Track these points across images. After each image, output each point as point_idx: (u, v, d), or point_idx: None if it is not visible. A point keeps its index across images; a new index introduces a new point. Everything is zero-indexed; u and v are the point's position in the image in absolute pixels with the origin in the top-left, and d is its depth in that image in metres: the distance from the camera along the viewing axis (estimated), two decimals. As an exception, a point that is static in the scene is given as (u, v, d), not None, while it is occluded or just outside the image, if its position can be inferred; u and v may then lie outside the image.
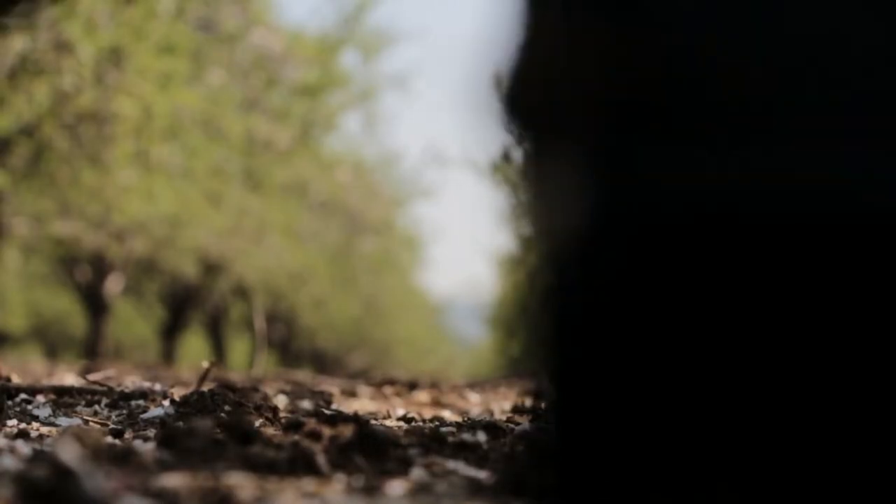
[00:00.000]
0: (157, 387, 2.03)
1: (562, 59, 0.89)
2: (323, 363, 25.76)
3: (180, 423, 1.38)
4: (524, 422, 1.88)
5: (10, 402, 1.90)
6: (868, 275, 0.79)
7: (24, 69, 6.48)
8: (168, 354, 15.50)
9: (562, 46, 0.90)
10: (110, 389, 1.99)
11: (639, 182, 0.84)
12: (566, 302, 0.84)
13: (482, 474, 1.17)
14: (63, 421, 1.74)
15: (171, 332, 15.91)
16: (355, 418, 1.96)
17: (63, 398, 1.97)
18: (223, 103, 9.26)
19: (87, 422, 1.72)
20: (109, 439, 1.39)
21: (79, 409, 1.88)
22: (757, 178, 0.81)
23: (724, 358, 0.82)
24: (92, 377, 2.27)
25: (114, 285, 13.09)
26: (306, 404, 2.26)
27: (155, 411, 1.72)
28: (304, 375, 5.35)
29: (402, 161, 26.43)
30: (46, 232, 9.81)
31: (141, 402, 1.92)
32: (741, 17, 0.82)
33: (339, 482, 1.07)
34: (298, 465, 1.09)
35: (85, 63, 6.47)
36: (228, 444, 1.16)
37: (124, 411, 1.85)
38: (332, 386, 3.11)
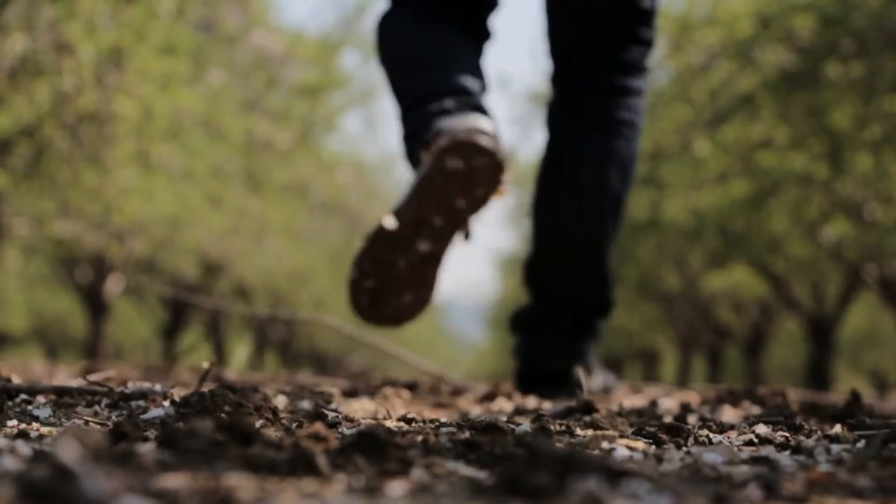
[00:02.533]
0: (158, 387, 2.03)
1: None
2: (323, 364, 25.77)
3: (180, 424, 1.38)
4: (524, 422, 1.88)
5: (10, 403, 1.90)
6: None
7: (24, 70, 6.48)
8: (168, 354, 15.51)
9: None
10: (110, 390, 1.99)
11: None
12: None
13: (482, 474, 1.17)
14: (63, 422, 1.75)
15: (171, 332, 15.92)
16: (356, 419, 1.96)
17: (63, 399, 1.97)
18: (223, 104, 9.26)
19: (87, 422, 1.72)
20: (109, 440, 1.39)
21: (79, 409, 1.88)
22: None
23: None
24: (92, 377, 2.26)
25: (114, 286, 13.10)
26: (306, 405, 2.26)
27: (155, 412, 1.72)
28: (303, 376, 5.34)
29: (402, 161, 26.48)
30: (47, 232, 9.82)
31: (141, 402, 1.92)
32: None
33: (339, 483, 1.07)
34: (299, 465, 1.09)
35: (85, 64, 6.47)
36: (229, 445, 1.16)
37: (124, 412, 1.85)
38: (332, 386, 3.11)
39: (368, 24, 13.42)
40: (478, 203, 2.11)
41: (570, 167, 2.50)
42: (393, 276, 2.20)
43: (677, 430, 1.75)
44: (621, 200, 2.53)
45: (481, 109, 2.21)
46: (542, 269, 2.60)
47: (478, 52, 2.42)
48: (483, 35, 2.47)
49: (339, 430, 1.69)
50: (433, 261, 2.19)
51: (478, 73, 2.33)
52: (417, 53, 2.37)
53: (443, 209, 2.11)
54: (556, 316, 2.57)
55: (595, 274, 2.53)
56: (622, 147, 2.47)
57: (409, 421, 1.95)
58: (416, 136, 2.21)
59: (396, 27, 2.44)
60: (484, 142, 2.08)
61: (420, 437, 1.39)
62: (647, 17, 2.48)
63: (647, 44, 2.57)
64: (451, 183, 2.07)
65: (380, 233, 2.15)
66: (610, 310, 2.64)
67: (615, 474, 1.07)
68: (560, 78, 2.56)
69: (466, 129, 2.10)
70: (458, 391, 3.16)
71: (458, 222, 2.13)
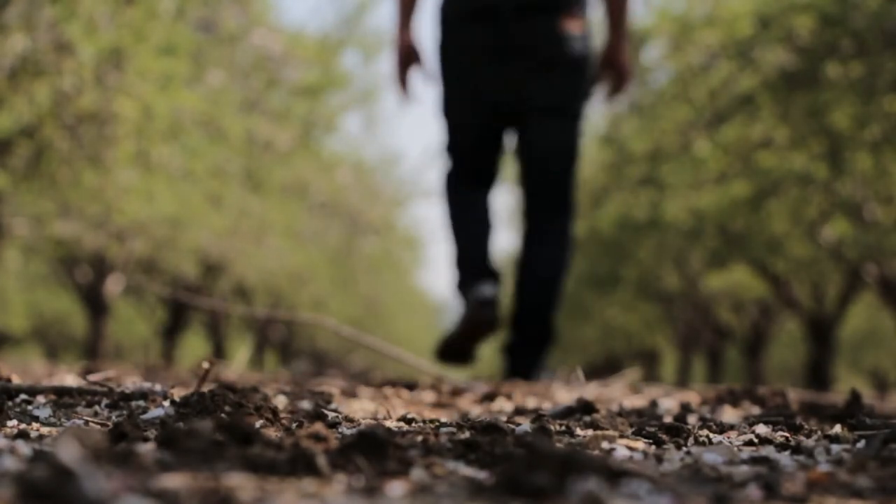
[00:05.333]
0: (157, 387, 2.03)
1: None
2: (323, 363, 25.78)
3: (180, 424, 1.38)
4: (524, 422, 1.88)
5: (10, 403, 1.90)
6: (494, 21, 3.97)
7: (24, 70, 6.48)
8: (168, 354, 15.51)
9: None
10: (110, 390, 1.99)
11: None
12: None
13: (482, 475, 1.17)
14: (63, 422, 1.75)
15: (171, 332, 15.92)
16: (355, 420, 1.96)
17: (63, 399, 1.97)
18: (223, 104, 9.26)
19: (87, 422, 1.72)
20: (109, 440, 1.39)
21: (79, 409, 1.88)
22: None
23: None
24: (92, 378, 2.26)
25: (114, 286, 13.10)
26: (306, 405, 2.26)
27: (155, 412, 1.72)
28: (303, 376, 5.35)
29: (402, 161, 26.46)
30: (47, 232, 9.81)
31: (141, 402, 1.92)
32: None
33: (339, 483, 1.07)
34: (299, 465, 1.09)
35: (85, 64, 6.47)
36: (229, 445, 1.16)
37: (124, 412, 1.85)
38: (332, 386, 3.11)
39: (368, 24, 13.44)
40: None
41: (533, 261, 4.24)
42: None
43: (677, 430, 1.75)
44: (560, 279, 4.23)
45: (494, 277, 4.16)
46: (521, 314, 4.27)
47: (492, 217, 4.31)
48: (493, 187, 4.35)
49: (339, 430, 1.69)
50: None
51: (490, 254, 4.22)
52: (469, 237, 4.20)
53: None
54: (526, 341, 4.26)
55: (548, 313, 4.23)
56: (560, 252, 4.22)
57: (409, 421, 1.95)
58: (463, 290, 4.11)
59: (456, 199, 4.26)
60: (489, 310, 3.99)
61: (420, 437, 1.39)
62: (570, 190, 4.23)
63: (571, 202, 4.27)
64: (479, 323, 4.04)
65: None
66: (554, 335, 4.30)
67: (615, 474, 1.07)
68: (527, 215, 4.31)
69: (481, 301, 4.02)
70: (458, 391, 3.16)
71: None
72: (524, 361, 4.22)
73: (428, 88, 4.34)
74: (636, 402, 2.95)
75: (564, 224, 4.23)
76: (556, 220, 4.22)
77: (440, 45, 4.16)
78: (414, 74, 4.29)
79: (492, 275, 4.15)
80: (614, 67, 4.22)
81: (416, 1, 4.23)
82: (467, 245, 4.17)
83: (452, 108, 4.21)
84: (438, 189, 4.34)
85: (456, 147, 4.24)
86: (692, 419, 2.32)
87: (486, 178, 4.27)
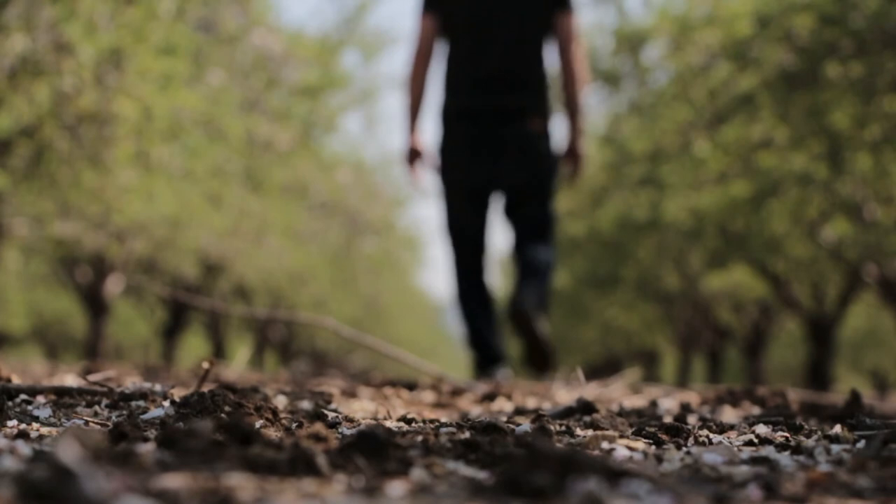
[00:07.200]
0: (157, 387, 2.03)
1: None
2: (323, 363, 25.76)
3: (180, 424, 1.38)
4: (524, 422, 1.88)
5: (10, 403, 1.90)
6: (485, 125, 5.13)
7: (24, 70, 6.48)
8: (168, 354, 15.51)
9: None
10: (110, 390, 1.99)
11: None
12: None
13: (482, 474, 1.17)
14: (63, 422, 1.75)
15: (171, 332, 15.91)
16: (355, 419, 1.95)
17: (63, 399, 1.97)
18: (223, 104, 9.26)
19: (87, 422, 1.72)
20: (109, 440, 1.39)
21: (79, 409, 1.88)
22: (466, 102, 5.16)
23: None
24: (92, 378, 2.27)
25: (114, 286, 13.09)
26: (306, 405, 2.26)
27: (155, 412, 1.72)
28: (304, 376, 5.36)
29: (401, 164, 26.33)
30: (47, 233, 9.81)
31: (141, 402, 1.92)
32: None
33: (339, 483, 1.07)
34: (299, 465, 1.09)
35: (85, 64, 6.47)
36: (228, 445, 1.16)
37: (124, 412, 1.85)
38: (332, 386, 3.11)
39: (368, 24, 13.43)
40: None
41: (526, 258, 5.04)
42: None
43: (677, 430, 1.75)
44: (550, 269, 5.02)
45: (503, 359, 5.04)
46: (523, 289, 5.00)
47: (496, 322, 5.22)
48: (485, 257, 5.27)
49: (339, 430, 1.69)
50: None
51: (501, 342, 5.15)
52: (479, 335, 5.05)
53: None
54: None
55: (544, 290, 4.96)
56: (549, 251, 5.06)
57: (409, 421, 1.95)
58: (480, 370, 4.96)
59: (468, 307, 5.13)
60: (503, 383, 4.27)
61: (420, 437, 1.40)
62: (550, 221, 5.15)
63: (552, 218, 5.17)
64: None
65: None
66: (548, 302, 5.04)
67: (615, 474, 1.07)
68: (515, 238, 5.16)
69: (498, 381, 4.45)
70: (458, 391, 3.16)
71: None
72: (528, 295, 4.83)
73: (431, 174, 5.55)
74: (636, 402, 2.95)
75: (549, 246, 5.12)
76: (544, 242, 5.17)
77: (440, 139, 5.26)
78: (420, 166, 5.42)
79: (502, 359, 5.05)
80: (573, 158, 5.22)
81: (420, 111, 5.38)
82: (478, 333, 5.04)
83: (450, 187, 5.25)
84: (447, 270, 5.37)
85: (453, 220, 5.22)
86: (692, 419, 2.32)
87: (479, 246, 5.18)
